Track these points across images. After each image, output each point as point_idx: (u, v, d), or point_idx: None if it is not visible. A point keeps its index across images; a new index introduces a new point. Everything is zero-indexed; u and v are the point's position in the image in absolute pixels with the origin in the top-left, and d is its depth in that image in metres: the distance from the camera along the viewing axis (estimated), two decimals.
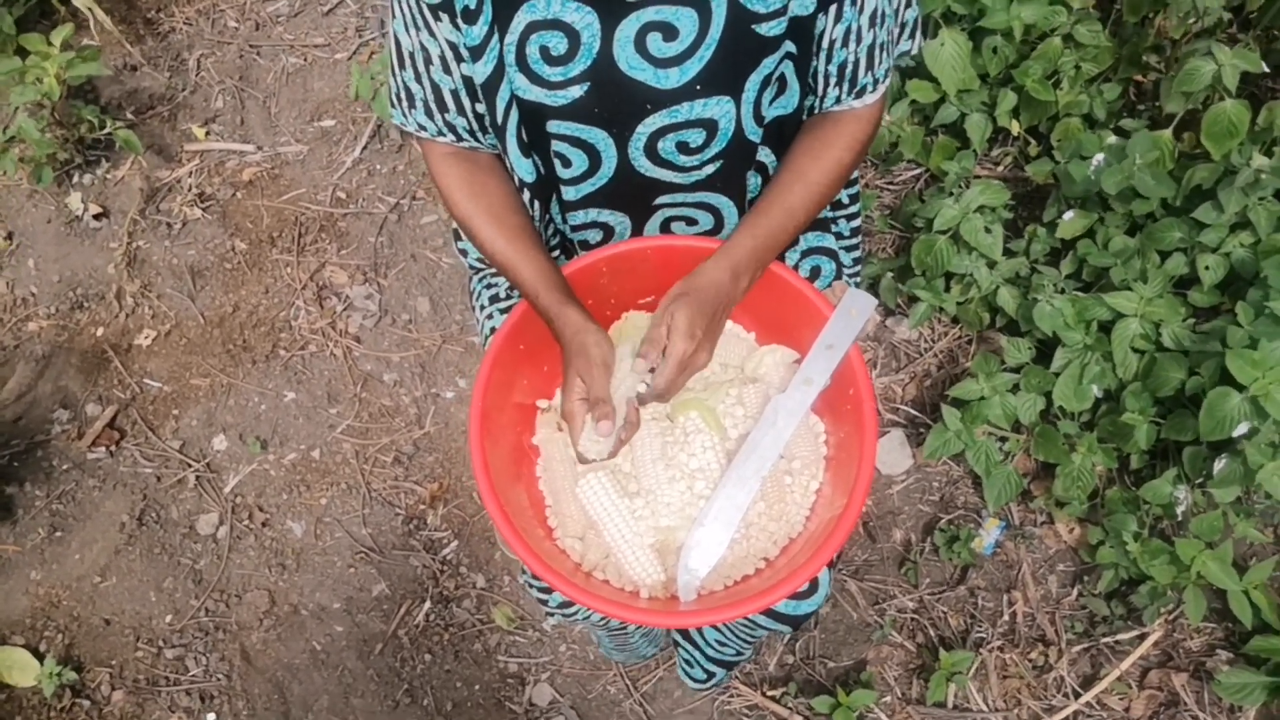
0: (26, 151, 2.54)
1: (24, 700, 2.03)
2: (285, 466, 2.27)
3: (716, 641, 1.66)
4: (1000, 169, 2.36)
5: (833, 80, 1.20)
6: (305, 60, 2.86)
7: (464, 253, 1.58)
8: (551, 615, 1.50)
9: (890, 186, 2.44)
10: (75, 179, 2.67)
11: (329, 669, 2.04)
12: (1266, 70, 1.88)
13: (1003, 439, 2.01)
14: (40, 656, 2.05)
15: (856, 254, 1.60)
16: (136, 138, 2.56)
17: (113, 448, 2.29)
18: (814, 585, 1.38)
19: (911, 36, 1.27)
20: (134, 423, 2.33)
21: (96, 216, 2.61)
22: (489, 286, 1.54)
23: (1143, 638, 1.92)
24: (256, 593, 2.13)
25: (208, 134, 2.75)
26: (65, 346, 2.44)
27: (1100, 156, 1.94)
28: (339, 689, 2.02)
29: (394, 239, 2.56)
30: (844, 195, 1.52)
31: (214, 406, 2.35)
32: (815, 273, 1.47)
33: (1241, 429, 1.67)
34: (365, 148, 2.69)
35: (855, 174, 1.53)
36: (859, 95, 1.22)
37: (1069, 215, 2.02)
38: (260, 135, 2.75)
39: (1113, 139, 2.03)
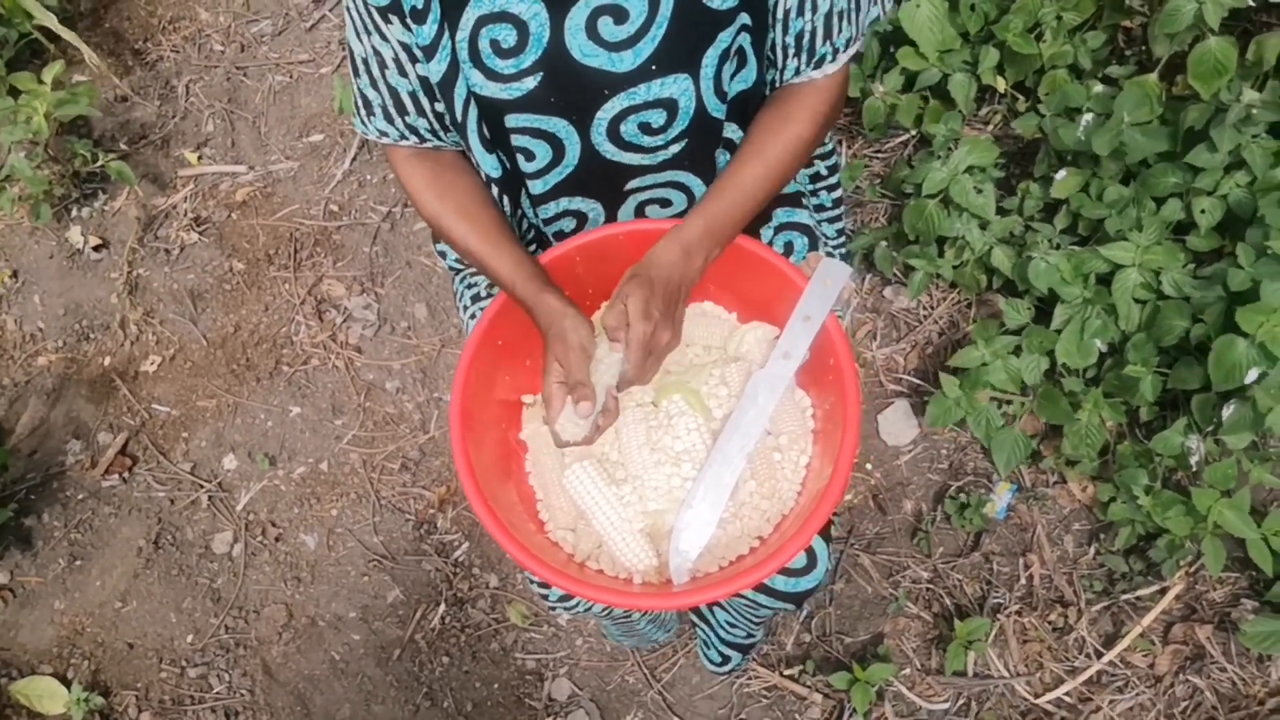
0: (24, 190, 2.58)
1: None
2: (295, 481, 2.29)
3: (726, 623, 1.65)
4: (990, 128, 2.33)
5: (790, 51, 1.19)
6: (291, 77, 2.88)
7: (443, 254, 1.58)
8: (554, 609, 1.49)
9: (879, 155, 2.41)
10: (74, 213, 2.70)
11: (349, 678, 2.05)
12: (1252, 4, 1.83)
13: (1006, 402, 1.98)
14: (68, 684, 2.08)
15: (841, 224, 1.58)
16: (129, 169, 2.58)
17: (126, 474, 2.32)
18: (812, 561, 1.36)
19: (877, 1, 1.24)
20: (145, 448, 2.36)
21: (96, 248, 2.64)
22: (469, 285, 1.54)
23: (1163, 592, 1.88)
24: (274, 607, 2.15)
25: (200, 158, 2.78)
26: (74, 378, 2.48)
27: (1089, 116, 1.91)
28: (360, 697, 2.03)
29: (388, 248, 2.57)
30: (822, 167, 1.50)
31: (222, 426, 2.37)
32: (788, 249, 1.45)
33: (1252, 375, 1.64)
34: (354, 159, 2.70)
35: (831, 145, 1.51)
36: (818, 65, 1.20)
37: (1062, 174, 1.99)
38: (251, 155, 2.77)
39: (1100, 88, 1.99)
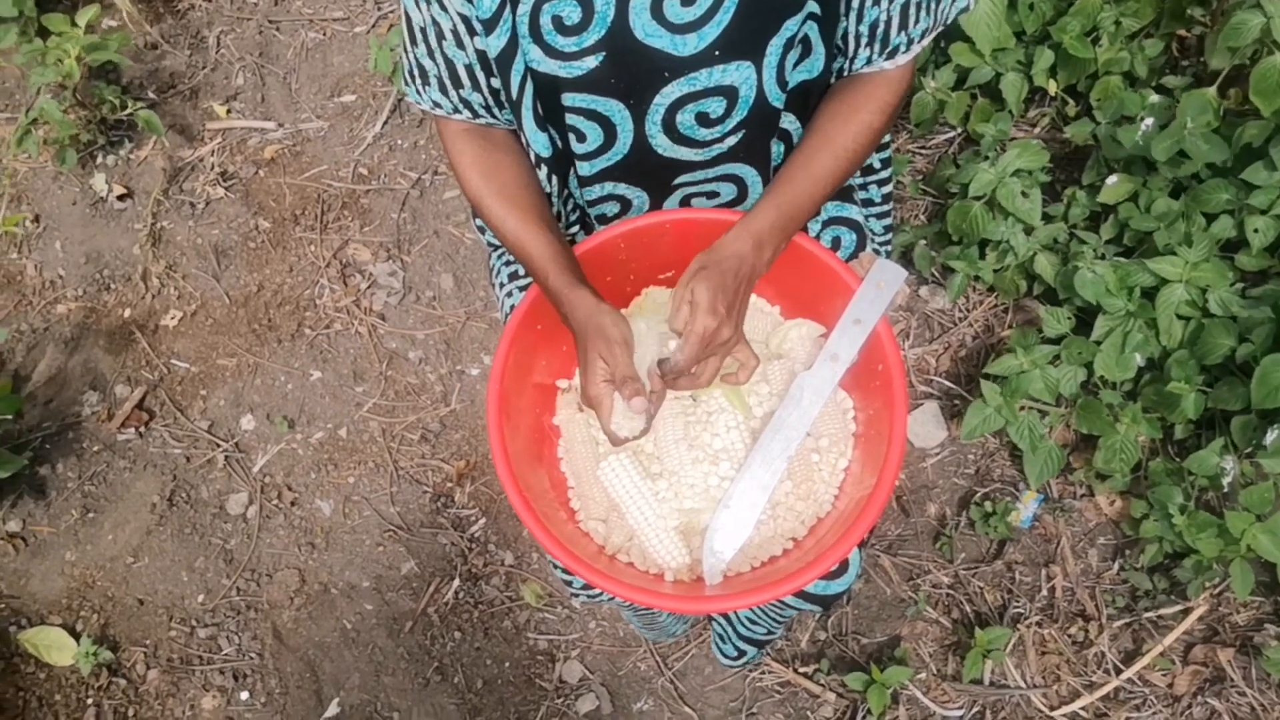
0: (50, 133, 2.54)
1: (62, 679, 2.05)
2: (313, 445, 2.27)
3: (748, 620, 1.64)
4: (1038, 130, 2.28)
5: (863, 40, 1.15)
6: (324, 35, 2.83)
7: (482, 230, 1.54)
8: (577, 596, 1.48)
9: (923, 151, 2.37)
10: (99, 160, 2.67)
11: (360, 647, 2.05)
12: None
13: (1043, 412, 1.95)
14: (76, 636, 2.07)
15: (888, 221, 1.54)
16: (158, 118, 2.54)
17: (142, 428, 2.31)
18: (844, 564, 1.34)
19: None
20: (162, 403, 2.34)
21: (121, 197, 2.61)
22: (508, 264, 1.51)
23: (1187, 612, 1.86)
24: (287, 572, 2.13)
25: (229, 112, 2.74)
26: (93, 328, 2.45)
27: (1150, 121, 1.86)
28: (370, 667, 2.02)
29: (416, 215, 2.54)
30: (875, 160, 1.47)
31: (241, 386, 2.35)
32: (836, 244, 1.42)
33: None
34: (386, 123, 2.65)
35: (887, 138, 1.47)
36: (891, 56, 1.16)
37: (1112, 180, 1.95)
38: (281, 112, 2.73)
39: (1155, 98, 1.94)
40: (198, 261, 2.52)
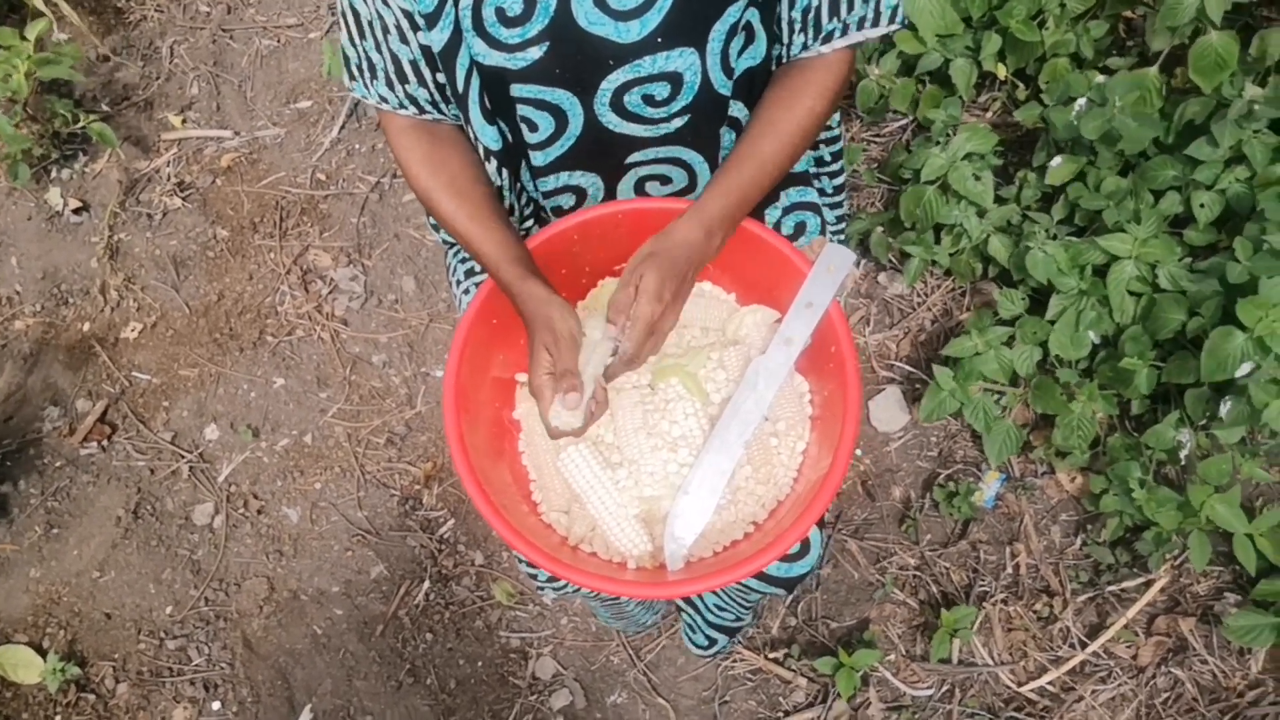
0: (1, 149, 2.51)
1: (29, 697, 2.03)
2: (278, 453, 2.26)
3: (715, 607, 1.65)
4: (989, 115, 2.31)
5: (797, 26, 1.16)
6: (279, 41, 2.82)
7: (436, 228, 1.54)
8: (542, 589, 1.48)
9: (877, 139, 2.39)
10: (54, 174, 2.64)
11: (331, 652, 2.04)
12: None
13: (1000, 393, 1.97)
14: (43, 653, 2.05)
15: (841, 211, 1.56)
16: (111, 131, 2.52)
17: (105, 442, 2.28)
18: (805, 547, 1.35)
19: None
20: (125, 416, 2.32)
21: (76, 211, 2.58)
22: (463, 260, 1.51)
23: (1149, 584, 1.89)
24: (255, 580, 2.12)
25: (184, 121, 2.72)
26: (52, 343, 2.43)
27: (1083, 101, 1.89)
28: (342, 672, 2.01)
29: (376, 219, 2.53)
30: (826, 153, 1.48)
31: (204, 396, 2.33)
32: (800, 228, 1.43)
33: (1244, 369, 1.64)
34: (343, 127, 2.65)
35: (837, 130, 1.49)
36: (826, 41, 1.18)
37: (1056, 161, 1.98)
38: (237, 120, 2.71)
39: (1100, 79, 1.97)
40: (156, 273, 2.50)
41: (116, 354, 2.40)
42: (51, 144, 2.62)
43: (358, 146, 2.63)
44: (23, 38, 2.43)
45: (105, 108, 2.74)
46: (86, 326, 2.44)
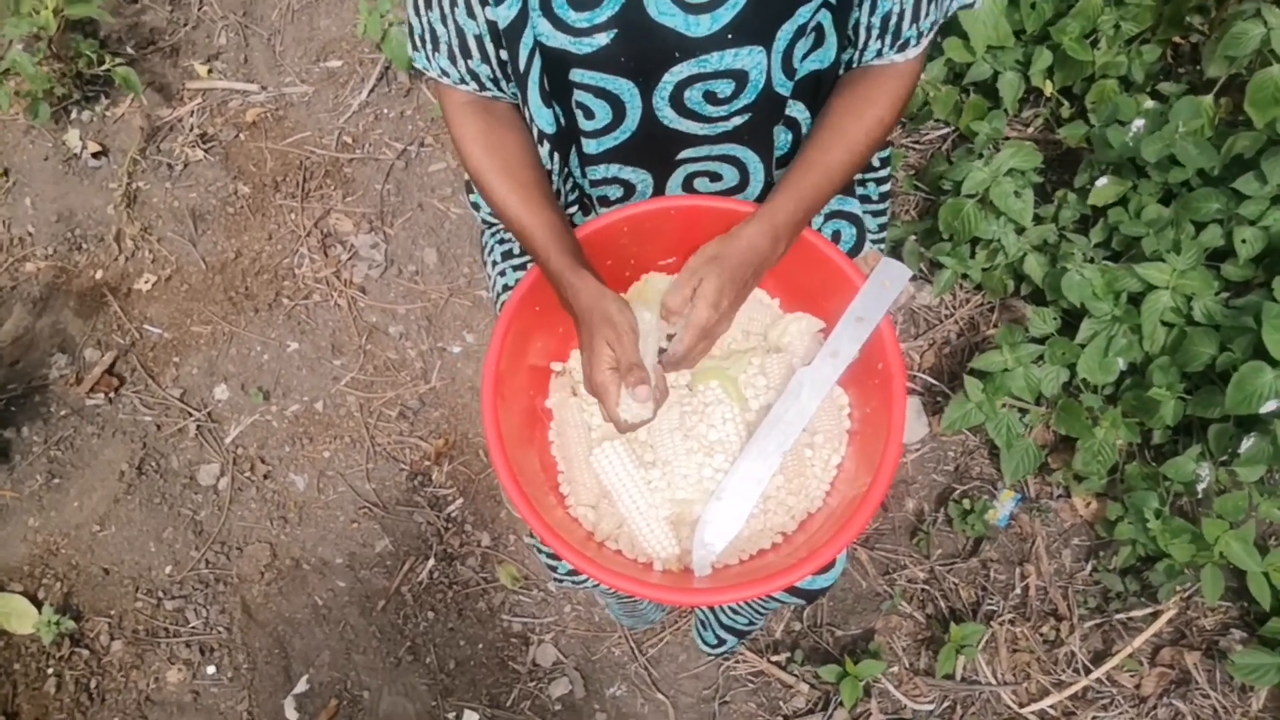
0: (22, 86, 2.46)
1: (22, 647, 2.01)
2: (288, 418, 2.23)
3: (731, 610, 1.64)
4: (1030, 130, 2.28)
5: (875, 32, 1.13)
6: None
7: (476, 206, 1.51)
8: (561, 582, 1.46)
9: (916, 146, 2.37)
10: (73, 115, 2.59)
11: (330, 624, 2.02)
12: None
13: (1023, 411, 1.96)
14: (39, 604, 2.03)
15: (884, 219, 1.54)
16: (136, 76, 2.47)
17: (112, 394, 2.25)
18: (832, 561, 1.34)
19: None
20: (133, 369, 2.29)
21: (95, 155, 2.54)
22: (502, 242, 1.48)
23: (1156, 615, 1.89)
24: (258, 545, 2.10)
25: (210, 72, 2.67)
26: (63, 289, 2.39)
27: (1140, 122, 1.87)
28: (340, 645, 2.00)
29: (401, 187, 2.49)
30: (874, 159, 1.46)
31: (215, 355, 2.30)
32: (836, 238, 1.41)
33: (1270, 405, 1.63)
34: (373, 90, 2.60)
35: (890, 135, 1.46)
36: (902, 49, 1.15)
37: (1102, 182, 1.95)
38: (264, 74, 2.66)
39: (1150, 103, 1.95)
40: (174, 225, 2.46)
41: (128, 305, 2.36)
42: (74, 84, 2.57)
43: (386, 111, 2.58)
44: None
45: (130, 51, 2.68)
46: (99, 274, 2.40)
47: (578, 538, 1.22)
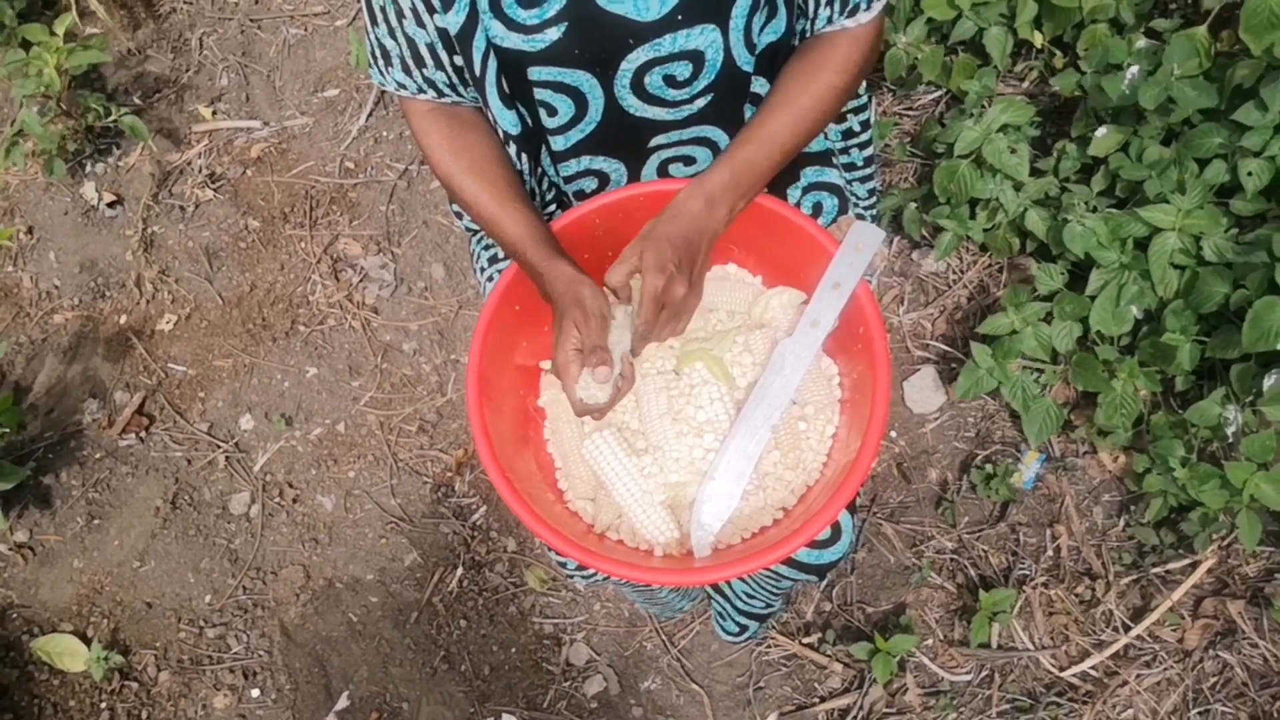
0: (37, 145, 2.54)
1: (76, 685, 2.07)
2: (312, 442, 2.27)
3: (744, 594, 1.63)
4: (1025, 85, 2.25)
5: (822, 1, 1.13)
6: (306, 30, 2.82)
7: (458, 214, 1.53)
8: (572, 578, 1.47)
9: (909, 112, 2.34)
10: (88, 168, 2.67)
11: (367, 640, 2.05)
12: None
13: (1039, 370, 1.93)
14: (88, 642, 2.09)
15: (872, 184, 1.52)
16: (143, 124, 2.54)
17: (143, 433, 2.31)
18: (836, 532, 1.33)
19: None
20: (162, 407, 2.35)
21: (111, 204, 2.61)
22: (487, 248, 1.50)
23: (1195, 566, 1.84)
24: (291, 568, 2.14)
25: (214, 113, 2.73)
26: (91, 336, 2.46)
27: (1134, 69, 1.82)
28: (378, 659, 2.03)
29: (405, 206, 2.53)
30: (855, 123, 1.44)
31: (238, 386, 2.35)
32: (817, 209, 1.40)
33: None
34: (370, 115, 2.64)
35: (866, 99, 1.45)
36: (852, 14, 1.14)
37: (1101, 132, 1.91)
38: (266, 110, 2.72)
39: (1143, 43, 1.91)
40: (190, 264, 2.52)
41: (153, 346, 2.43)
42: (85, 139, 2.65)
43: (385, 134, 2.62)
44: (51, 33, 2.46)
45: (137, 101, 2.76)
46: (123, 319, 2.47)
47: (578, 531, 1.22)
